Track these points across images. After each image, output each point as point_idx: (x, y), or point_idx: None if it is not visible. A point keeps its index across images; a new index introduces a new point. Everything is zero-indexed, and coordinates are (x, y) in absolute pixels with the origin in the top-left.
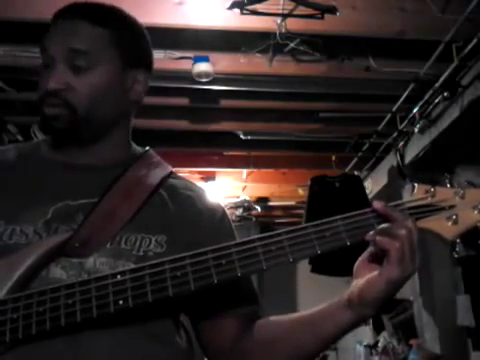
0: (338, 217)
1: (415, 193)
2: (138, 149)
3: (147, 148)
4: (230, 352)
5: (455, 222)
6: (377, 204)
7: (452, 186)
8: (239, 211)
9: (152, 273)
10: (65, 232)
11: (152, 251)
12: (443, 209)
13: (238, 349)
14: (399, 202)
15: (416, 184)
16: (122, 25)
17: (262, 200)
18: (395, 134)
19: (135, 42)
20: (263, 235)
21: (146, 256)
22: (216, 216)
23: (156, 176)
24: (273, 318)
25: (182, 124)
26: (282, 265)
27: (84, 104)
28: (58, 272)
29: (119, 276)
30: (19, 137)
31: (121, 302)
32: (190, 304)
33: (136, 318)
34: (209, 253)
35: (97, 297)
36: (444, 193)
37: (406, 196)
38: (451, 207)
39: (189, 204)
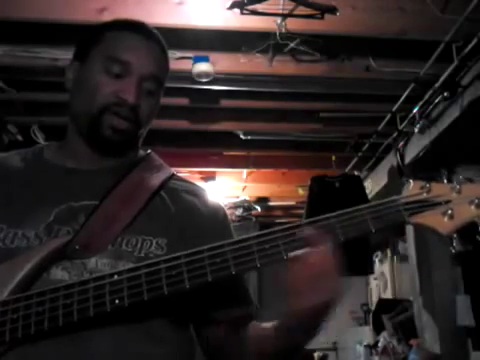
0: (332, 214)
1: (410, 189)
2: (140, 152)
3: (149, 151)
4: (226, 352)
5: (451, 217)
6: (306, 231)
7: (449, 181)
8: (239, 211)
9: (148, 272)
10: (66, 234)
11: (153, 253)
12: (439, 204)
13: (233, 350)
14: (394, 198)
15: (411, 180)
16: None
17: (262, 200)
18: (395, 134)
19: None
20: (258, 233)
21: (147, 257)
22: (217, 219)
23: (158, 179)
24: (254, 324)
25: (182, 124)
26: (277, 263)
27: (144, 124)
28: (59, 273)
29: (116, 276)
30: (19, 137)
31: (117, 301)
32: (189, 304)
33: (137, 318)
34: (204, 252)
35: (94, 297)
36: (440, 188)
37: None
38: (447, 202)
39: (190, 207)
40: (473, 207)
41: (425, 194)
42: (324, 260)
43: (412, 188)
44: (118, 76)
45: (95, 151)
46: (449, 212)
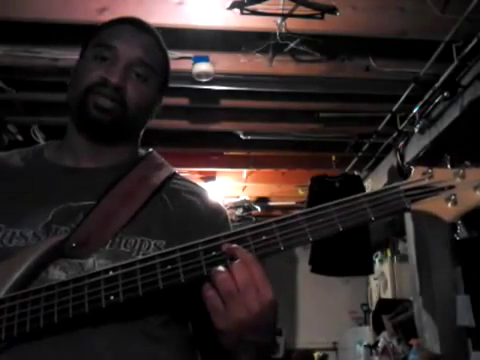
0: (330, 203)
1: (412, 175)
2: (141, 151)
3: (150, 150)
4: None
5: (455, 203)
6: (225, 246)
7: (453, 167)
8: (239, 211)
9: (143, 268)
10: (64, 233)
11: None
12: (441, 190)
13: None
14: (394, 184)
15: (413, 167)
16: (168, 57)
17: (262, 200)
18: (395, 134)
19: (169, 74)
20: (254, 225)
21: None
22: (218, 221)
23: (158, 178)
24: None
25: (182, 124)
26: (273, 254)
27: (133, 108)
28: (57, 273)
29: (111, 272)
30: (19, 137)
31: (112, 297)
32: (186, 301)
33: (135, 317)
34: (199, 245)
35: (89, 293)
36: (443, 174)
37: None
38: (450, 188)
39: (190, 208)
40: (478, 192)
41: (427, 180)
42: (244, 272)
43: (414, 174)
44: (105, 61)
45: (89, 139)
46: (452, 198)
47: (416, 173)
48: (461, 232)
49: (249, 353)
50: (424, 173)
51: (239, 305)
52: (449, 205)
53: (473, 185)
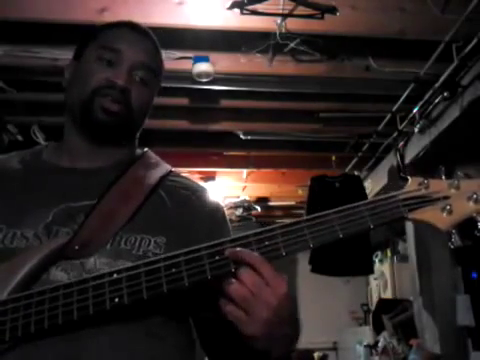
0: (331, 211)
1: (409, 185)
2: (139, 151)
3: (145, 149)
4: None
5: (450, 212)
6: (228, 252)
7: (448, 178)
8: (239, 211)
9: (147, 271)
10: (65, 235)
11: (151, 251)
12: (437, 200)
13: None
14: (392, 194)
15: (409, 177)
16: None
17: (262, 200)
18: (395, 134)
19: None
20: (257, 230)
21: (145, 256)
22: (216, 217)
23: (155, 176)
24: None
25: (182, 124)
26: (275, 259)
27: (137, 110)
28: (59, 275)
29: (115, 274)
30: (19, 137)
31: (117, 299)
32: (190, 303)
33: (136, 317)
34: (203, 250)
35: (94, 295)
36: (438, 184)
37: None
38: (445, 198)
39: (188, 204)
40: (471, 203)
41: (423, 190)
42: (252, 275)
43: (410, 184)
44: (110, 63)
45: (91, 141)
46: (447, 208)
47: (413, 183)
48: (455, 241)
49: (282, 347)
50: (420, 184)
51: (258, 306)
52: (444, 214)
53: (467, 196)
